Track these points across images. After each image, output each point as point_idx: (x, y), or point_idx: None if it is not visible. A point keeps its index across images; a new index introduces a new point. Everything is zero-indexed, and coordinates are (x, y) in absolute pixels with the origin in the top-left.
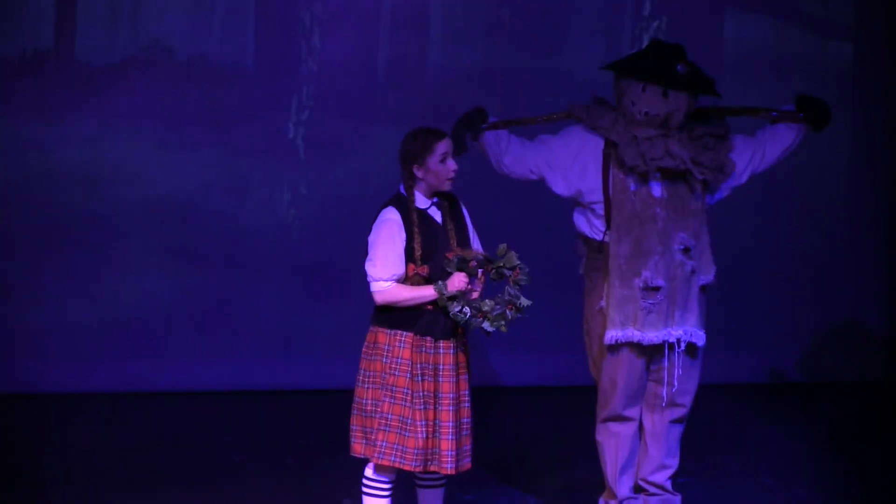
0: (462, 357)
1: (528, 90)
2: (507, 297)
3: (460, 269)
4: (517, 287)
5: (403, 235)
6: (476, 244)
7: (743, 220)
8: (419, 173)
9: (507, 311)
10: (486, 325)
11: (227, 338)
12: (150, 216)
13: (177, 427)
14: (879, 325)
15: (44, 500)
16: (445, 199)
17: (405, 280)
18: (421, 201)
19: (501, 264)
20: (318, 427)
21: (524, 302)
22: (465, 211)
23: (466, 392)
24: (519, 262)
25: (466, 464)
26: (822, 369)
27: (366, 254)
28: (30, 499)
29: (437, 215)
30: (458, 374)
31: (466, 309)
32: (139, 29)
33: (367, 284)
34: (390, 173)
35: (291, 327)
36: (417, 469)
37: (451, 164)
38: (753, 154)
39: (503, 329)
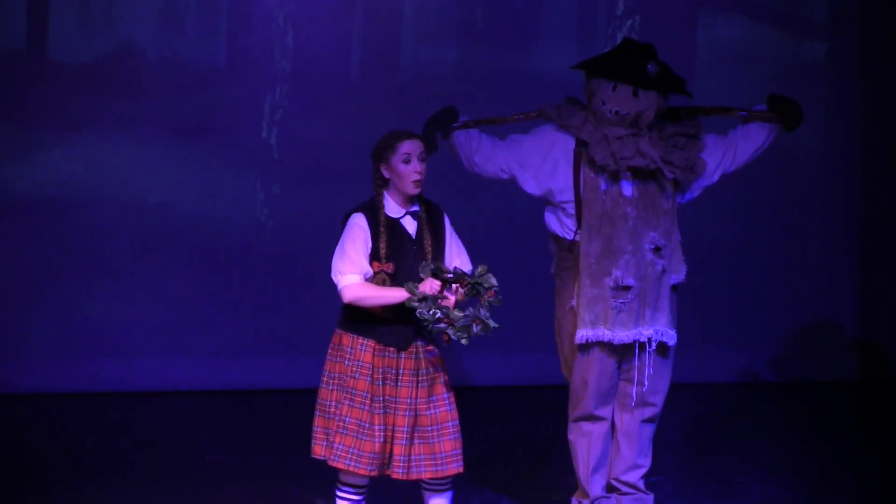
0: (426, 363)
1: (501, 89)
2: (477, 314)
3: (434, 276)
4: (488, 307)
5: (370, 242)
6: (464, 260)
7: (716, 219)
8: (386, 173)
9: (474, 326)
10: (450, 332)
11: (201, 337)
12: (123, 215)
13: (151, 427)
14: (853, 325)
15: (17, 501)
16: (428, 213)
17: (371, 279)
18: (393, 209)
19: (478, 282)
20: (292, 426)
21: (492, 324)
22: (447, 227)
23: (436, 396)
24: (496, 285)
25: (448, 469)
26: (796, 369)
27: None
28: (3, 499)
29: (410, 226)
30: (418, 380)
31: (434, 311)
32: (112, 30)
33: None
34: (363, 173)
35: (264, 326)
36: (373, 474)
37: (415, 166)
38: (725, 153)
39: (464, 341)
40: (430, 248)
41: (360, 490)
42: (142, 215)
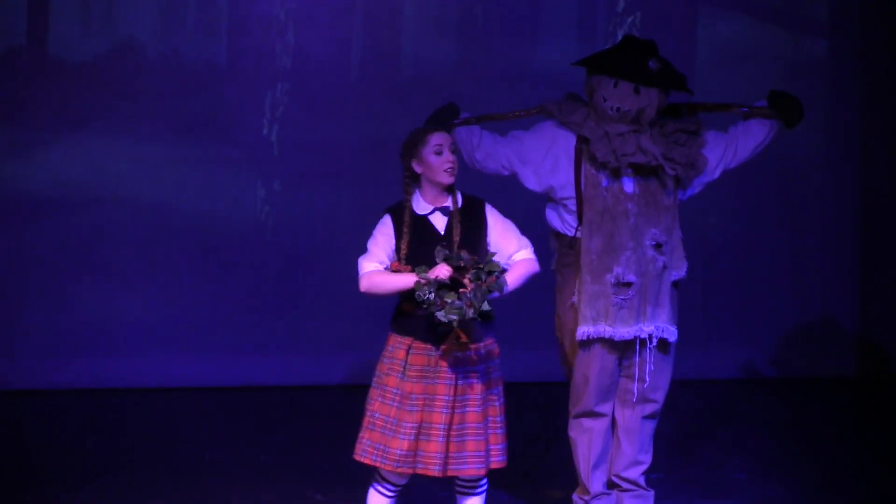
0: (466, 361)
1: (502, 86)
2: (471, 298)
3: (446, 262)
4: (486, 292)
5: (392, 240)
6: (508, 241)
7: (716, 215)
8: (418, 168)
9: (465, 308)
10: (440, 315)
11: (200, 335)
12: (123, 214)
13: (150, 424)
14: (852, 322)
15: (17, 499)
16: (465, 208)
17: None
18: (421, 206)
19: (482, 267)
20: (292, 424)
21: (485, 307)
22: (489, 218)
23: (470, 396)
24: (499, 272)
25: (468, 469)
26: (796, 365)
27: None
28: (2, 497)
29: (439, 223)
30: (456, 377)
31: (431, 294)
32: (112, 29)
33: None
34: (364, 169)
35: (264, 324)
36: (400, 470)
37: (447, 156)
38: (726, 150)
39: (454, 324)
40: (457, 241)
41: (397, 489)
42: (142, 213)
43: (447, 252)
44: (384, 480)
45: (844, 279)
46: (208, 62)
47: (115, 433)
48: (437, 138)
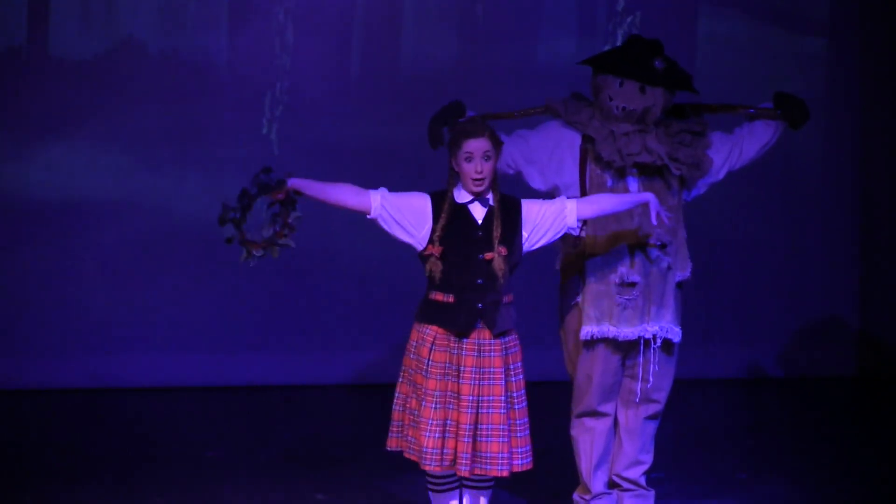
0: (490, 361)
1: (502, 85)
2: (268, 235)
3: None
4: (281, 235)
5: (422, 217)
6: (549, 208)
7: (718, 216)
8: (455, 167)
9: (253, 249)
10: (230, 229)
11: (200, 334)
12: (122, 213)
13: (151, 423)
14: (853, 321)
15: (16, 499)
16: (503, 204)
17: (422, 258)
18: (461, 196)
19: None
20: (292, 422)
21: (256, 253)
22: (524, 213)
23: (493, 397)
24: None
25: (491, 469)
26: (797, 364)
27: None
28: (2, 496)
29: (478, 213)
30: (480, 377)
31: (237, 212)
32: (112, 26)
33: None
34: (364, 169)
35: (265, 324)
36: (437, 469)
37: (476, 165)
38: (731, 151)
39: (243, 257)
40: (497, 236)
41: (439, 483)
42: (142, 213)
43: (261, 172)
44: (428, 476)
45: (844, 279)
46: (208, 62)
47: (115, 433)
48: (469, 145)
